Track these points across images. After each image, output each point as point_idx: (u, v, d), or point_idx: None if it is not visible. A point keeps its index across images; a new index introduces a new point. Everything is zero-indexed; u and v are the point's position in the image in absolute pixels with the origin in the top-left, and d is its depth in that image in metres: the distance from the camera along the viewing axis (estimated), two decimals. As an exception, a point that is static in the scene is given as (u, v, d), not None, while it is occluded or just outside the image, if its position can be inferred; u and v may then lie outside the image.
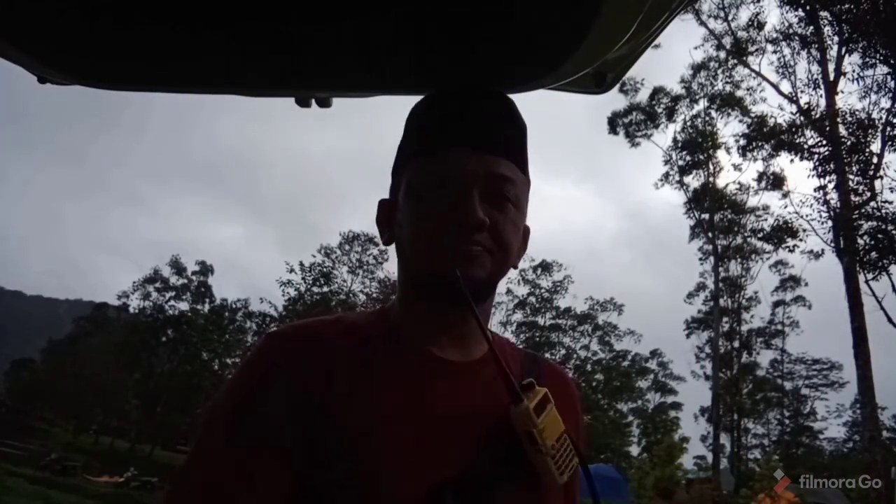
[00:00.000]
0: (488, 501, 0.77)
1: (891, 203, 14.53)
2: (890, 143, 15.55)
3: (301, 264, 37.37)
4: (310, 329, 0.86)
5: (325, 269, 37.39)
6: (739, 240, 28.37)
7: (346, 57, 0.95)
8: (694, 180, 27.10)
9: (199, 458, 0.76)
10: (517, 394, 0.80)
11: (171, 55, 0.98)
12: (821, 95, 18.33)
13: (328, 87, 1.03)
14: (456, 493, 0.75)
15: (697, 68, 24.88)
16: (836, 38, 17.32)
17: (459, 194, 0.82)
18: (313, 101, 1.04)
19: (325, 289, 36.50)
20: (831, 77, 18.23)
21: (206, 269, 46.51)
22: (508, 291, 43.53)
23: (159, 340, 45.29)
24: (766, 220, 25.60)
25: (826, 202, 16.79)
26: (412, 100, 0.94)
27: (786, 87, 20.09)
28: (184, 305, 44.99)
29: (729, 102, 23.92)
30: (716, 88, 24.68)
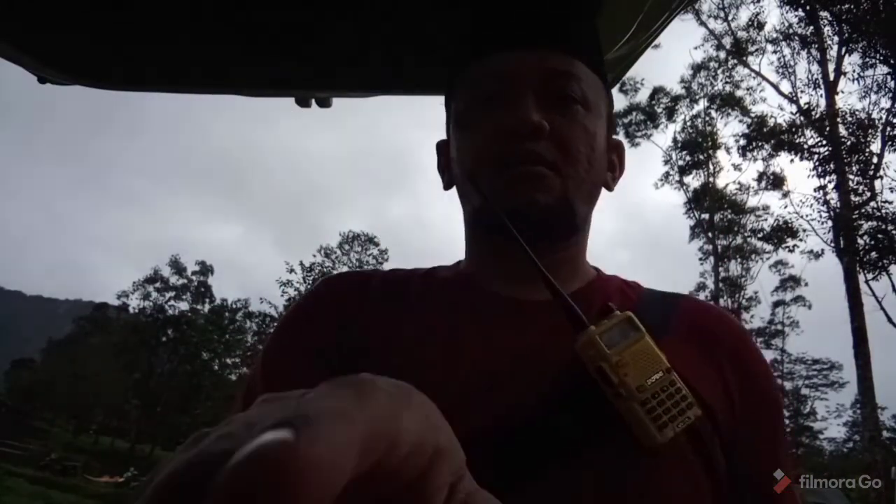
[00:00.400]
0: (552, 454, 0.57)
1: (891, 203, 14.55)
2: (890, 143, 15.55)
3: (301, 264, 37.41)
4: (366, 272, 0.77)
5: (324, 270, 37.38)
6: (739, 240, 28.37)
7: (346, 57, 0.95)
8: (694, 180, 27.11)
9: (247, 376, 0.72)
10: (579, 319, 0.60)
11: (171, 56, 0.98)
12: (821, 95, 18.33)
13: (328, 88, 1.03)
14: (503, 441, 0.57)
15: (697, 68, 24.89)
16: (836, 38, 17.32)
17: (507, 103, 0.68)
18: (313, 101, 1.05)
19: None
20: (831, 77, 18.23)
21: (205, 269, 46.52)
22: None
23: (159, 340, 45.29)
24: (765, 220, 25.59)
25: (826, 202, 16.79)
26: (411, 100, 0.94)
27: (786, 87, 20.09)
28: (184, 305, 45.02)
29: (729, 102, 23.91)
30: (716, 88, 24.69)
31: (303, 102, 1.04)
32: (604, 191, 0.76)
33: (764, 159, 21.67)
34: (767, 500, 0.65)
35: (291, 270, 37.42)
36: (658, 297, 0.74)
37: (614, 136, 0.78)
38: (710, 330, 0.69)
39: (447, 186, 0.81)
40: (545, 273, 0.62)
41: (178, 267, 45.26)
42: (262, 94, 1.04)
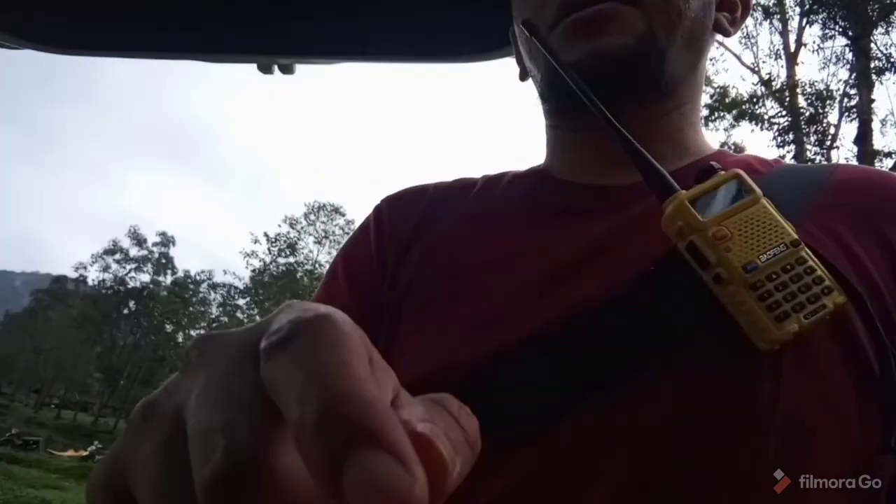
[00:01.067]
0: (619, 362, 0.44)
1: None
2: (847, 114, 15.92)
3: (266, 235, 36.97)
4: (425, 184, 0.69)
5: (290, 240, 37.05)
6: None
7: (310, 21, 0.93)
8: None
9: None
10: (667, 185, 0.46)
11: (126, 18, 0.95)
12: (781, 66, 18.61)
13: (291, 53, 1.00)
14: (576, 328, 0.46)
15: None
16: (797, 10, 17.55)
17: None
18: (276, 67, 1.02)
19: (291, 259, 36.20)
20: (792, 48, 18.50)
21: (167, 241, 45.67)
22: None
23: (121, 313, 44.52)
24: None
25: (785, 172, 17.19)
26: (376, 67, 0.93)
27: (748, 57, 20.34)
28: (145, 277, 44.22)
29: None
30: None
31: (265, 69, 1.02)
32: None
33: (725, 129, 22.00)
34: None
35: (256, 241, 37.02)
36: (802, 170, 0.57)
37: None
38: (872, 192, 0.50)
39: (522, 76, 0.68)
40: (620, 130, 0.48)
41: (137, 238, 44.34)
42: (222, 59, 1.01)
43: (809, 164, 0.60)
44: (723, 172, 0.45)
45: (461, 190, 0.65)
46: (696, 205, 0.44)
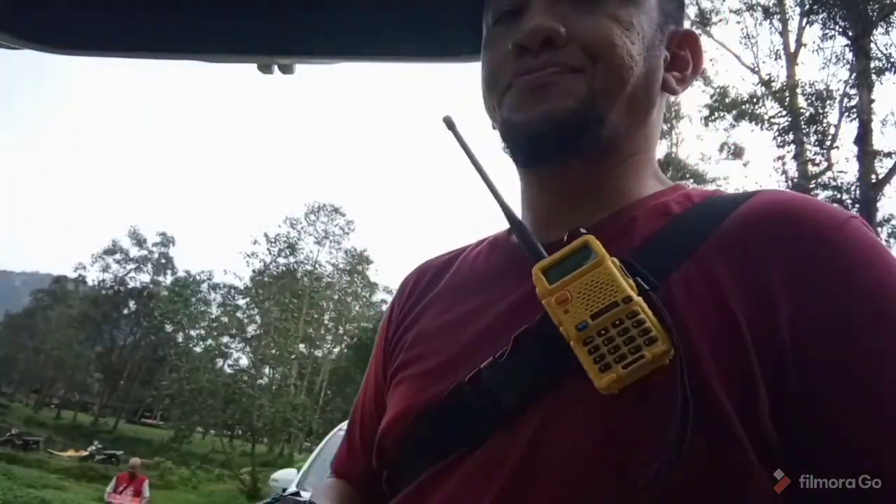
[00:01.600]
0: (491, 415, 0.52)
1: (845, 173, 14.96)
2: (846, 113, 15.92)
3: (266, 235, 36.96)
4: (440, 255, 0.79)
5: (290, 240, 37.03)
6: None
7: (309, 21, 0.93)
8: (657, 151, 27.39)
9: None
10: (536, 251, 0.53)
11: (126, 18, 0.95)
12: (781, 66, 18.61)
13: (291, 53, 1.00)
14: (466, 392, 0.55)
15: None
16: (797, 10, 17.54)
17: (518, 13, 0.59)
18: (276, 67, 1.02)
19: (291, 259, 36.20)
20: (792, 48, 18.50)
21: (167, 241, 45.66)
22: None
23: (121, 313, 44.48)
24: (726, 189, 26.09)
25: (784, 172, 17.18)
26: (375, 67, 0.93)
27: (748, 58, 20.32)
28: (145, 277, 44.20)
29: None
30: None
31: (265, 69, 1.02)
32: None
33: (725, 129, 21.98)
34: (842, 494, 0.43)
35: (256, 242, 37.01)
36: (717, 203, 0.57)
37: (681, 28, 0.66)
38: (770, 233, 0.50)
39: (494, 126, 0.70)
40: (495, 190, 0.57)
41: (137, 238, 44.33)
42: (222, 59, 1.01)
43: (736, 191, 0.62)
44: (581, 236, 0.51)
45: (448, 262, 0.74)
46: (553, 270, 0.51)
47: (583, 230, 0.52)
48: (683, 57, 0.66)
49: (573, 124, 0.56)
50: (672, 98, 0.65)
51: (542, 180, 0.62)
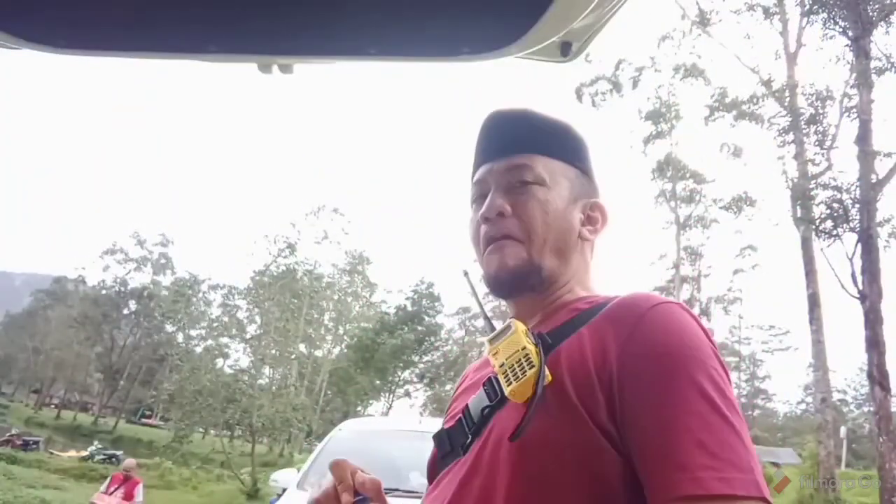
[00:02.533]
0: (485, 426, 0.85)
1: (845, 173, 14.95)
2: (846, 113, 15.91)
3: (266, 236, 36.95)
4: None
5: (289, 241, 37.03)
6: (701, 209, 28.90)
7: (309, 21, 0.93)
8: (658, 150, 27.40)
9: None
10: (489, 328, 0.89)
11: (126, 18, 0.95)
12: (782, 66, 18.61)
13: (291, 53, 1.00)
14: (453, 431, 0.91)
15: (662, 38, 24.98)
16: (797, 10, 17.52)
17: (483, 197, 0.95)
18: (276, 67, 1.02)
19: (291, 260, 36.19)
20: (792, 49, 18.50)
21: (166, 241, 45.67)
22: (476, 261, 43.64)
23: (121, 313, 44.48)
24: (726, 189, 26.12)
25: (784, 172, 17.17)
26: (378, 68, 0.93)
27: (748, 58, 20.32)
28: (145, 278, 44.20)
29: (692, 73, 24.10)
30: (679, 59, 24.84)
31: (265, 69, 1.02)
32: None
33: (725, 129, 21.95)
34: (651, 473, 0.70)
35: (257, 242, 37.02)
36: (602, 303, 0.88)
37: (591, 199, 0.99)
38: (616, 315, 0.82)
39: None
40: (481, 306, 1.03)
41: (138, 239, 44.36)
42: (222, 59, 1.01)
43: (614, 296, 0.87)
44: (509, 322, 0.84)
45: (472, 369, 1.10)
46: (495, 339, 0.84)
47: (511, 319, 0.87)
48: (594, 217, 0.98)
49: (519, 274, 0.90)
50: (589, 239, 0.98)
51: (513, 303, 0.98)
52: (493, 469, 0.79)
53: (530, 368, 0.77)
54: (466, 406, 0.90)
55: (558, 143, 0.99)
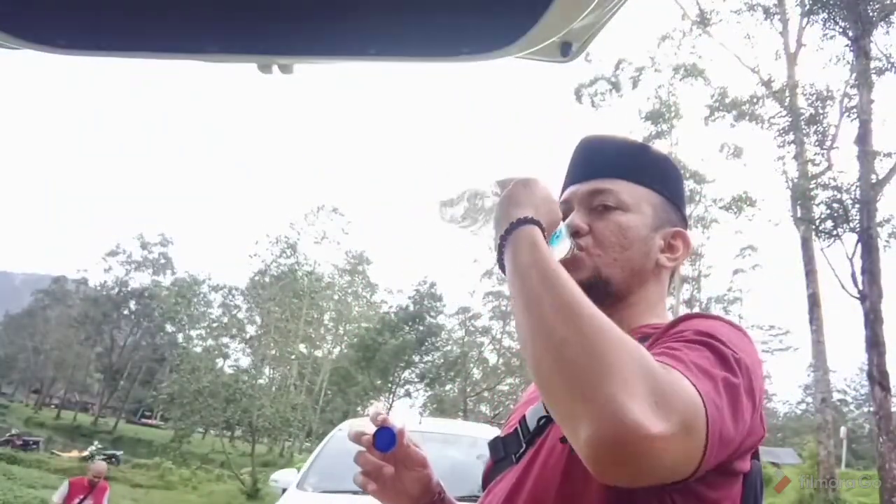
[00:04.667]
0: (540, 435, 0.88)
1: (845, 173, 14.95)
2: (846, 113, 15.91)
3: (267, 236, 36.98)
4: None
5: (290, 241, 37.04)
6: (701, 209, 28.89)
7: (310, 21, 0.93)
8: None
9: None
10: None
11: (126, 18, 0.95)
12: (782, 67, 18.61)
13: (291, 53, 1.00)
14: (509, 440, 0.94)
15: (662, 38, 24.98)
16: (798, 10, 17.52)
17: (565, 218, 0.98)
18: (276, 67, 1.02)
19: (292, 260, 36.20)
20: (792, 49, 18.49)
21: (166, 241, 45.70)
22: (476, 261, 43.67)
23: (121, 313, 44.50)
24: (726, 189, 26.15)
25: (784, 172, 17.17)
26: (379, 68, 0.93)
27: (748, 58, 20.32)
28: (145, 278, 44.22)
29: (692, 73, 24.10)
30: (680, 59, 24.85)
31: (265, 69, 1.02)
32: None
33: (731, 124, 21.93)
34: None
35: (256, 242, 37.02)
36: (663, 327, 0.89)
37: (675, 227, 1.00)
38: (667, 330, 0.83)
39: None
40: None
41: (142, 241, 44.41)
42: (222, 59, 1.01)
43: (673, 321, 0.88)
44: None
45: None
46: None
47: None
48: (675, 245, 0.99)
49: (586, 285, 0.85)
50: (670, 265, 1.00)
51: None
52: (544, 473, 0.81)
53: None
54: (524, 416, 0.93)
55: (645, 169, 1.02)
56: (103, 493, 7.10)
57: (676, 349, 0.72)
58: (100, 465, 7.62)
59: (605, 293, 0.93)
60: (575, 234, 0.95)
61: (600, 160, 1.02)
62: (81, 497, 6.87)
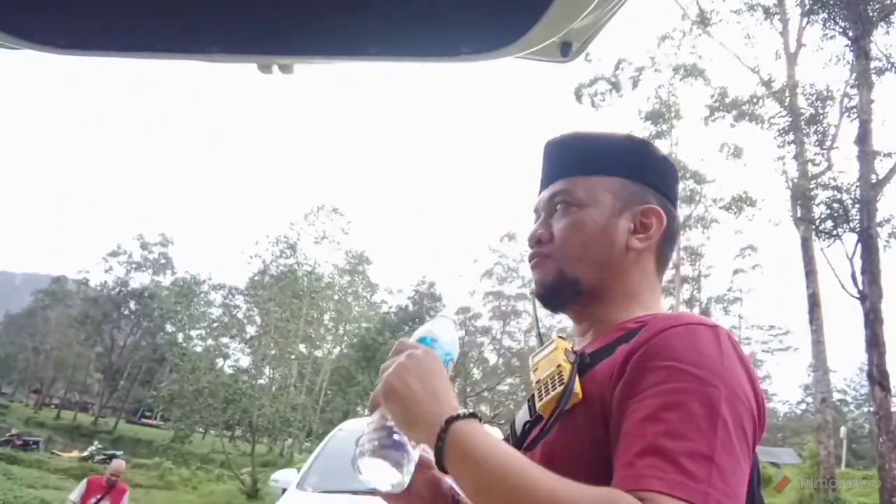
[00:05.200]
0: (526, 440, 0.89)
1: (845, 173, 14.94)
2: (846, 114, 15.90)
3: (267, 236, 36.95)
4: None
5: (290, 241, 37.01)
6: (701, 209, 28.89)
7: (310, 21, 0.93)
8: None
9: None
10: (540, 344, 0.94)
11: (126, 18, 0.95)
12: (782, 67, 18.59)
13: (291, 53, 1.00)
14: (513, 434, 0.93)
15: (662, 38, 24.97)
16: (797, 10, 17.51)
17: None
18: (276, 67, 1.02)
19: (292, 260, 36.18)
20: (792, 49, 18.48)
21: (166, 241, 45.69)
22: (476, 261, 43.65)
23: (121, 313, 44.49)
24: (726, 189, 26.15)
25: (784, 172, 17.16)
26: (379, 68, 0.93)
27: (748, 58, 20.31)
28: (145, 278, 44.21)
29: (692, 73, 24.08)
30: (679, 59, 24.83)
31: (265, 69, 1.02)
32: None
33: (731, 125, 21.91)
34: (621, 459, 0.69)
35: (257, 242, 36.97)
36: (644, 323, 0.86)
37: (644, 205, 0.95)
38: (644, 333, 0.80)
39: None
40: (537, 324, 1.17)
41: (142, 241, 44.39)
42: (222, 59, 1.01)
43: (652, 316, 0.87)
44: (553, 337, 0.90)
45: None
46: (537, 355, 0.90)
47: (554, 335, 0.92)
48: (647, 223, 0.95)
49: (554, 288, 0.95)
50: (637, 248, 0.95)
51: (571, 318, 1.00)
52: None
53: (560, 385, 0.82)
54: (514, 420, 0.95)
55: (601, 158, 1.00)
56: (122, 495, 6.82)
57: (654, 418, 0.68)
58: (118, 463, 7.30)
59: (576, 292, 0.94)
60: (537, 242, 0.97)
61: (557, 162, 1.02)
62: (99, 496, 6.65)
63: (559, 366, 0.84)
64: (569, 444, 0.80)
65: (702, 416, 0.67)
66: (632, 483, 0.64)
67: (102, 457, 27.01)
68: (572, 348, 0.88)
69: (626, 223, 0.95)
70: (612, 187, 0.96)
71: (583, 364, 0.84)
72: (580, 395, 0.80)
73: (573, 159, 1.00)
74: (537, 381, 0.86)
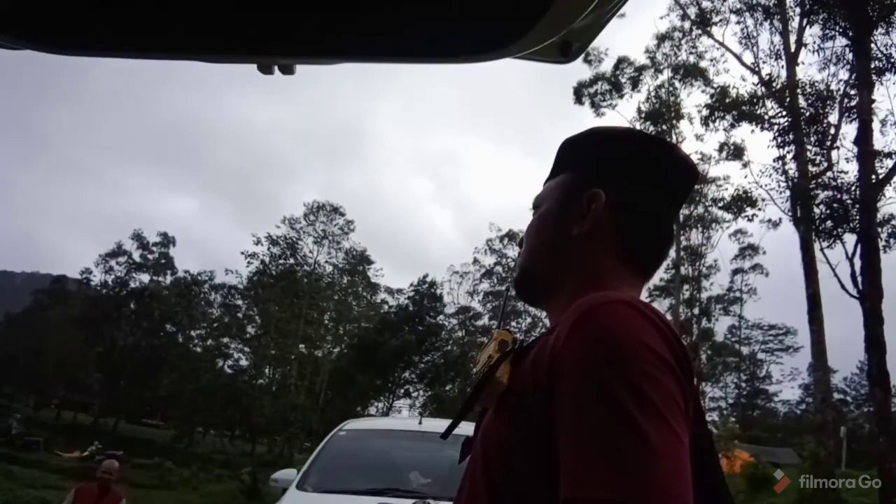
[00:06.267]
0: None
1: (846, 173, 14.95)
2: (847, 114, 15.91)
3: (268, 236, 36.91)
4: None
5: (290, 241, 37.02)
6: (701, 209, 28.91)
7: (310, 21, 0.93)
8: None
9: None
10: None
11: (126, 18, 0.95)
12: (782, 67, 18.61)
13: (291, 53, 1.00)
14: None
15: (662, 38, 25.01)
16: (797, 10, 17.53)
17: None
18: (276, 67, 1.02)
19: (291, 260, 36.20)
20: (792, 49, 18.49)
21: (167, 241, 45.70)
22: (475, 261, 43.66)
23: (121, 313, 44.52)
24: (726, 189, 26.16)
25: (784, 172, 17.17)
26: (372, 68, 0.93)
27: (748, 58, 20.32)
28: (145, 278, 44.24)
29: (692, 73, 24.11)
30: (680, 59, 24.86)
31: (265, 69, 1.02)
32: None
33: (725, 129, 21.98)
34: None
35: (258, 242, 36.94)
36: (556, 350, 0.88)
37: (590, 191, 0.94)
38: (565, 318, 0.80)
39: None
40: (500, 321, 1.22)
41: (140, 240, 44.42)
42: (222, 59, 1.01)
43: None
44: (493, 331, 0.95)
45: None
46: (483, 347, 0.95)
47: (495, 330, 0.97)
48: (589, 207, 0.96)
49: (519, 286, 1.04)
50: (578, 233, 0.95)
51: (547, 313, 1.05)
52: (472, 463, 0.88)
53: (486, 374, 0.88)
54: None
55: (560, 161, 1.06)
56: (118, 501, 6.08)
57: (577, 457, 0.68)
58: (110, 462, 6.40)
59: (534, 285, 1.01)
60: (519, 247, 1.08)
61: (554, 167, 1.08)
62: (93, 502, 5.90)
63: (489, 356, 0.90)
64: (497, 429, 0.83)
65: (615, 429, 0.67)
66: None
67: (102, 457, 26.99)
68: (512, 340, 0.91)
69: (575, 213, 0.95)
70: (563, 182, 1.02)
71: (517, 352, 0.87)
72: (503, 383, 0.83)
73: (552, 169, 1.07)
74: (475, 374, 0.93)
